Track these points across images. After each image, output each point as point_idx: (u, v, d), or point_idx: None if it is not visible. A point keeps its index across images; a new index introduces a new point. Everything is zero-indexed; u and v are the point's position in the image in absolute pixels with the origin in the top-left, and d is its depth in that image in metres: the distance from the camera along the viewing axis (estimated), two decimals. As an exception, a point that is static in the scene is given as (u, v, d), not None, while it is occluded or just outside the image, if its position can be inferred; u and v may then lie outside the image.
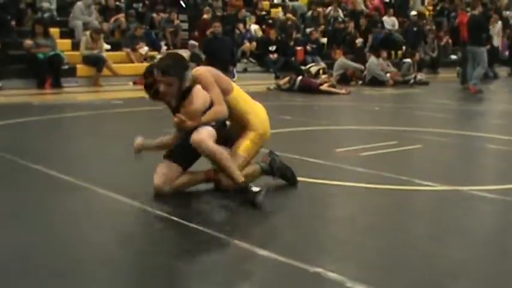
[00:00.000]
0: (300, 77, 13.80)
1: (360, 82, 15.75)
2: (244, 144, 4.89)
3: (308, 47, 17.67)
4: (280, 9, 20.75)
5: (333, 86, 13.72)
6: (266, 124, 5.06)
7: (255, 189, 4.42)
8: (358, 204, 4.74)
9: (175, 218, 4.05)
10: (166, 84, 4.72)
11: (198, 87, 4.79)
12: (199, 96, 4.77)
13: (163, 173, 4.67)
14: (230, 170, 4.50)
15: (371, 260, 3.46)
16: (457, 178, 5.54)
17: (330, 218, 4.39)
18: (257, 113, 5.05)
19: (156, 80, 4.75)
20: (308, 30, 18.94)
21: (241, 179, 4.50)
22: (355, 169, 5.70)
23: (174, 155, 4.77)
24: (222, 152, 4.53)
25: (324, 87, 13.55)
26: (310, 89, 13.43)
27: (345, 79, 15.28)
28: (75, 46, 14.84)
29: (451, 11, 24.54)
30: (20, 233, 3.83)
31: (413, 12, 21.72)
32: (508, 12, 27.17)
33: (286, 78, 13.96)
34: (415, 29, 19.85)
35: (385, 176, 5.41)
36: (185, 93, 4.79)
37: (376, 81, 15.44)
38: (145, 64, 15.53)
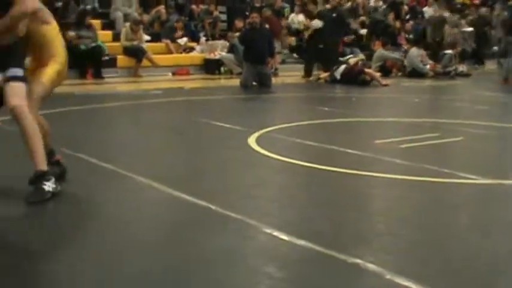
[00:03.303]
0: (343, 66, 13.70)
1: (400, 74, 15.60)
2: (50, 73, 4.54)
3: (346, 38, 17.54)
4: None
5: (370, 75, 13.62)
6: (66, 65, 4.76)
7: (49, 187, 4.17)
8: (397, 196, 4.69)
9: (213, 207, 4.05)
10: None
11: None
12: None
13: None
14: (36, 153, 4.21)
15: (410, 253, 3.42)
16: (501, 171, 5.45)
17: (368, 209, 4.36)
18: (63, 50, 4.74)
19: None
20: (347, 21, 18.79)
21: (43, 167, 4.22)
22: (394, 161, 5.64)
23: None
24: (36, 130, 4.22)
25: (368, 71, 13.50)
26: (352, 74, 13.31)
27: (384, 71, 15.13)
28: (116, 37, 15.00)
29: (496, 1, 24.07)
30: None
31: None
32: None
33: (327, 73, 13.89)
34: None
35: (426, 168, 5.34)
36: None
37: (416, 73, 15.26)
38: (185, 55, 15.74)
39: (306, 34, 15.27)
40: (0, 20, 4.11)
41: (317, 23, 14.61)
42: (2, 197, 4.43)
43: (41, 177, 4.19)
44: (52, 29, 4.67)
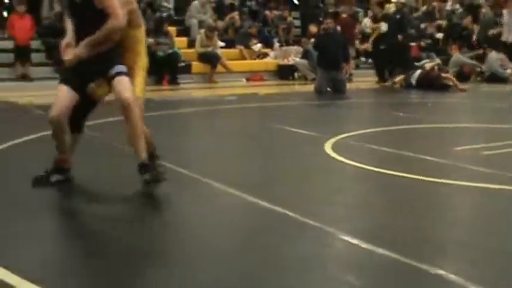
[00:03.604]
0: (418, 70, 13.50)
1: (478, 79, 15.21)
2: (140, 84, 4.78)
3: (422, 43, 17.25)
4: (392, 4, 20.36)
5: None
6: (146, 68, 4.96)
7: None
8: (478, 204, 4.58)
9: (290, 213, 4.04)
10: None
11: None
12: None
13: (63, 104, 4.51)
14: (139, 144, 4.52)
15: (494, 264, 3.32)
16: None
17: (448, 217, 4.25)
18: (145, 53, 4.95)
19: None
20: (422, 25, 18.49)
21: (144, 156, 4.53)
22: (476, 168, 5.49)
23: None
24: (141, 123, 4.53)
25: (445, 75, 13.25)
26: (429, 80, 13.09)
27: (461, 76, 14.79)
28: (191, 44, 15.23)
29: None
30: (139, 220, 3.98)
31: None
32: None
33: (401, 77, 13.70)
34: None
35: (509, 176, 5.18)
36: None
37: (495, 78, 14.83)
38: (258, 61, 15.82)
39: (372, 38, 15.13)
40: (98, 33, 4.41)
41: (384, 27, 14.43)
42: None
43: (145, 166, 4.49)
44: (141, 32, 4.87)
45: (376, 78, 14.54)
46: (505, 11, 17.88)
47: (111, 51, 4.55)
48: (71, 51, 4.46)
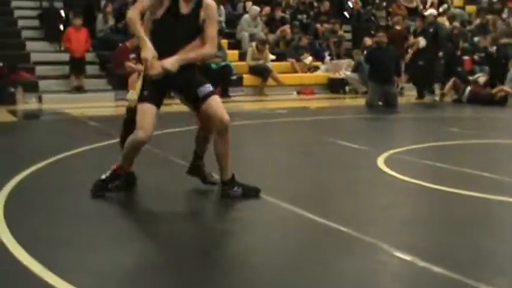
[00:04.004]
0: (468, 87, 13.33)
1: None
2: None
3: (476, 57, 16.99)
4: (445, 17, 20.14)
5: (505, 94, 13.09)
6: None
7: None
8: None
9: (344, 229, 4.03)
10: None
11: (211, 1, 4.58)
12: (216, 15, 4.65)
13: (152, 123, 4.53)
14: (229, 163, 4.72)
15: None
16: None
17: (507, 237, 4.16)
18: None
19: None
20: (476, 38, 18.22)
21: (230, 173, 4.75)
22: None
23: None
24: None
25: (498, 92, 13.02)
26: (480, 99, 12.92)
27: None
28: (242, 57, 15.33)
29: None
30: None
31: None
32: None
33: (450, 83, 13.54)
34: None
35: None
36: (198, 2, 4.53)
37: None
38: (309, 74, 15.82)
39: (410, 53, 14.83)
40: (192, 54, 4.50)
41: (423, 42, 14.18)
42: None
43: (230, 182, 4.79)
44: None
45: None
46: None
47: (194, 66, 4.65)
48: (157, 64, 4.43)
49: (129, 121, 4.93)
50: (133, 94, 4.97)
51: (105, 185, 4.73)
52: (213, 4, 4.59)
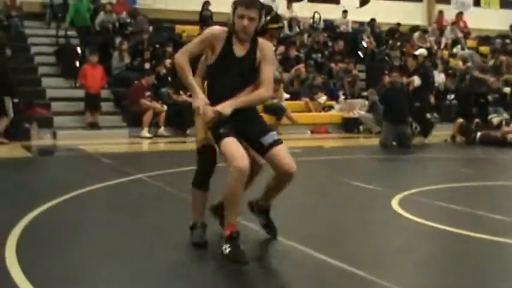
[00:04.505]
0: (479, 133, 13.30)
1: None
2: None
3: (489, 97, 16.97)
4: (459, 59, 20.23)
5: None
6: None
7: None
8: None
9: (359, 272, 3.99)
10: (250, 19, 4.29)
11: (266, 41, 4.45)
12: (272, 56, 4.46)
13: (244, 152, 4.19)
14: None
15: None
16: None
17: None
18: None
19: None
20: (491, 79, 18.23)
21: None
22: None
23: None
24: None
25: (509, 136, 12.96)
26: (492, 140, 12.90)
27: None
28: (257, 95, 15.38)
29: None
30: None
31: None
32: None
33: (458, 123, 13.52)
34: None
35: None
36: (253, 43, 4.37)
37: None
38: (323, 113, 15.86)
39: None
40: (248, 98, 4.30)
41: (417, 81, 13.70)
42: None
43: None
44: None
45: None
46: None
47: (256, 112, 4.50)
48: (209, 110, 4.21)
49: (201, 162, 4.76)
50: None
51: (234, 254, 4.22)
52: (269, 44, 4.47)
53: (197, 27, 17.73)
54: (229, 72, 4.32)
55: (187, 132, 13.49)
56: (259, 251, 4.64)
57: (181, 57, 4.33)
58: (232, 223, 4.27)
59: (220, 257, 4.23)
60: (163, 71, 14.70)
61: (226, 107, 4.21)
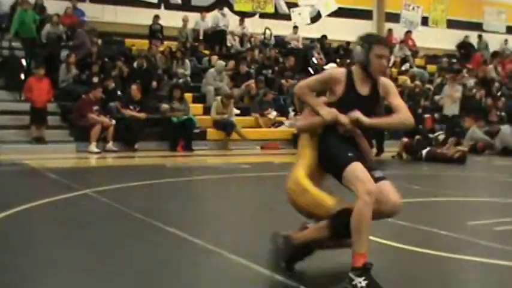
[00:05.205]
0: (426, 149, 13.54)
1: (491, 152, 15.22)
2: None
3: (436, 115, 17.34)
4: (407, 76, 20.61)
5: (463, 153, 13.31)
6: None
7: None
8: (492, 282, 4.51)
9: (304, 288, 4.00)
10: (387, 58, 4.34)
11: (384, 78, 4.46)
12: (395, 89, 4.40)
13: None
14: None
15: None
16: None
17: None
18: None
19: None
20: (436, 97, 18.62)
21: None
22: (489, 244, 5.43)
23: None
24: None
25: (455, 152, 13.24)
26: (438, 157, 13.16)
27: (474, 150, 14.87)
28: (207, 111, 15.40)
29: None
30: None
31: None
32: None
33: (403, 142, 13.73)
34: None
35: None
36: (373, 79, 4.33)
37: (508, 151, 14.85)
38: (273, 129, 15.91)
39: None
40: (385, 119, 4.25)
41: None
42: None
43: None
44: None
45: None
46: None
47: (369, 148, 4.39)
48: (343, 116, 4.13)
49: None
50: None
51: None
52: (389, 81, 4.44)
53: (147, 41, 17.65)
54: (354, 110, 4.19)
55: (136, 147, 13.37)
56: (204, 266, 4.60)
57: (300, 89, 4.34)
58: (363, 252, 4.00)
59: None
60: (112, 84, 14.54)
61: (362, 117, 4.12)
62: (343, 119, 4.13)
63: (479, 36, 25.04)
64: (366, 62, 4.23)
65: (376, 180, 4.09)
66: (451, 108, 15.68)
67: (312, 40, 21.03)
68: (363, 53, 4.23)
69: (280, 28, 20.53)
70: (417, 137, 13.83)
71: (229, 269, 4.57)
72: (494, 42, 24.98)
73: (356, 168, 4.02)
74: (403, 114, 4.25)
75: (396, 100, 4.30)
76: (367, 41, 4.27)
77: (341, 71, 4.35)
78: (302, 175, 4.33)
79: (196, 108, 15.37)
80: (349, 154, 4.11)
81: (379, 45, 4.22)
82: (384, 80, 4.38)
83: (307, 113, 4.45)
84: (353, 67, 4.34)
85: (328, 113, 4.17)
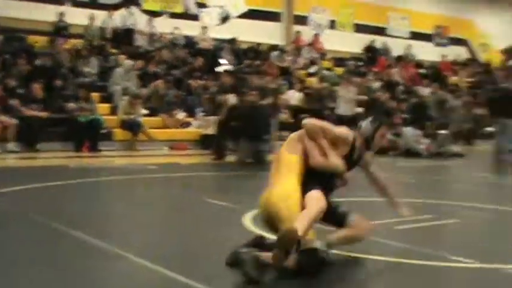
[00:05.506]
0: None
1: (395, 153, 15.66)
2: None
3: (344, 117, 17.70)
4: (316, 78, 20.98)
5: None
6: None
7: None
8: (390, 279, 4.63)
9: (208, 290, 3.98)
10: None
11: None
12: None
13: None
14: None
15: None
16: (497, 255, 5.39)
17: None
18: None
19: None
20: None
21: None
22: (388, 243, 5.59)
23: None
24: None
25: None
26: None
27: (380, 150, 15.20)
28: (114, 111, 15.14)
29: (488, 83, 24.47)
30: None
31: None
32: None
33: None
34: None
35: (420, 251, 5.30)
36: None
37: (411, 153, 15.35)
38: (182, 130, 15.80)
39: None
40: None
41: (232, 99, 13.53)
42: None
43: None
44: None
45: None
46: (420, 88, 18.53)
47: None
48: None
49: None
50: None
51: None
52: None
53: (50, 38, 17.15)
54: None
55: (38, 147, 12.97)
56: (107, 270, 4.50)
57: (316, 128, 4.71)
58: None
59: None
60: (13, 82, 14.03)
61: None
62: (347, 176, 4.83)
63: (384, 41, 25.80)
64: (369, 137, 4.79)
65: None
66: (346, 109, 15.78)
67: (222, 41, 21.06)
68: (370, 129, 4.76)
69: (189, 28, 20.44)
70: None
71: (135, 273, 4.48)
72: (398, 47, 25.79)
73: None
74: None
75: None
76: (378, 119, 4.80)
77: (352, 135, 4.79)
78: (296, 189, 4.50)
79: (103, 108, 15.08)
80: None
81: (388, 127, 4.85)
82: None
83: (315, 150, 4.66)
84: (356, 133, 4.80)
85: (342, 166, 4.73)
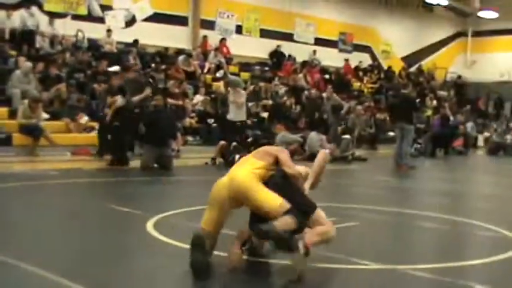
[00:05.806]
0: (238, 156, 13.79)
1: (300, 157, 15.88)
2: None
3: (249, 121, 17.81)
4: (221, 83, 21.02)
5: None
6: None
7: None
8: (285, 282, 4.66)
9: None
10: None
11: None
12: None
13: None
14: None
15: None
16: (394, 257, 5.55)
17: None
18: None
19: None
20: (249, 104, 19.15)
21: None
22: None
23: None
24: None
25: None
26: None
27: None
28: (12, 114, 14.63)
29: (389, 89, 25.33)
30: None
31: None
32: (441, 92, 28.27)
33: (220, 145, 13.83)
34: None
35: (321, 254, 5.35)
36: None
37: (315, 157, 15.54)
38: (85, 134, 15.44)
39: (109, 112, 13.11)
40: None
41: (121, 100, 13.04)
42: None
43: None
44: None
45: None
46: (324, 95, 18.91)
47: None
48: None
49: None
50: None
51: None
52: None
53: None
54: None
55: None
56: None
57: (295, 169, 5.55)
58: None
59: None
60: None
61: None
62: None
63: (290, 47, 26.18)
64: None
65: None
66: (236, 114, 15.15)
67: (127, 44, 20.76)
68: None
69: (93, 31, 20.03)
70: (234, 143, 13.97)
71: (24, 281, 4.32)
72: (304, 53, 26.23)
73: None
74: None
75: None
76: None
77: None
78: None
79: (1, 112, 14.54)
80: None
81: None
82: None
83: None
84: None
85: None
